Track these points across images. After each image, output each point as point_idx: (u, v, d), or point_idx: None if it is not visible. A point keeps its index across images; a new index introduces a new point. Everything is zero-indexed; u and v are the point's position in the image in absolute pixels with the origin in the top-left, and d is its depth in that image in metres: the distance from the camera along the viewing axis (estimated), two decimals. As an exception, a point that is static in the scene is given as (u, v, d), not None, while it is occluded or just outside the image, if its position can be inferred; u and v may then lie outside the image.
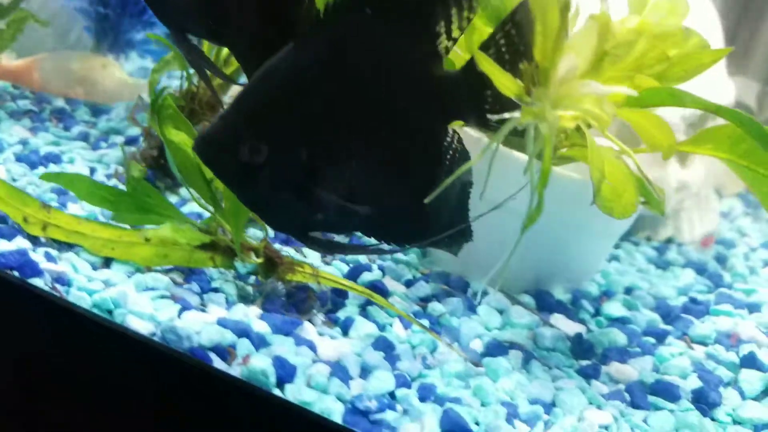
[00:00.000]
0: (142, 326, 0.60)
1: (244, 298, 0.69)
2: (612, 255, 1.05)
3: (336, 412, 0.56)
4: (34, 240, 0.69)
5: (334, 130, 0.56)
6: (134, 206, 0.69)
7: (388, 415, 0.57)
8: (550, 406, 0.64)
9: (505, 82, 0.49)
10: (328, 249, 0.62)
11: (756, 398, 0.72)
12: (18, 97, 1.07)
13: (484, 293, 0.81)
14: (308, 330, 0.66)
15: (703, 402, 0.69)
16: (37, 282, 0.62)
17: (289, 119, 0.54)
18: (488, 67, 0.49)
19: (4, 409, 0.63)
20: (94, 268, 0.68)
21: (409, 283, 0.81)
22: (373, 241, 0.62)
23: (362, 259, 0.84)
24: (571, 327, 0.78)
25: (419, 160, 0.59)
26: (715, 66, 0.79)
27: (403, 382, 0.63)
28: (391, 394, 0.61)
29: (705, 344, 0.82)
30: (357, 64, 0.55)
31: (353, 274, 0.80)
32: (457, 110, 0.58)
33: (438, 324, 0.74)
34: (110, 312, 0.61)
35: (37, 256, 0.66)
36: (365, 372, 0.63)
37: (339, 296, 0.75)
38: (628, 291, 0.92)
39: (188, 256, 0.70)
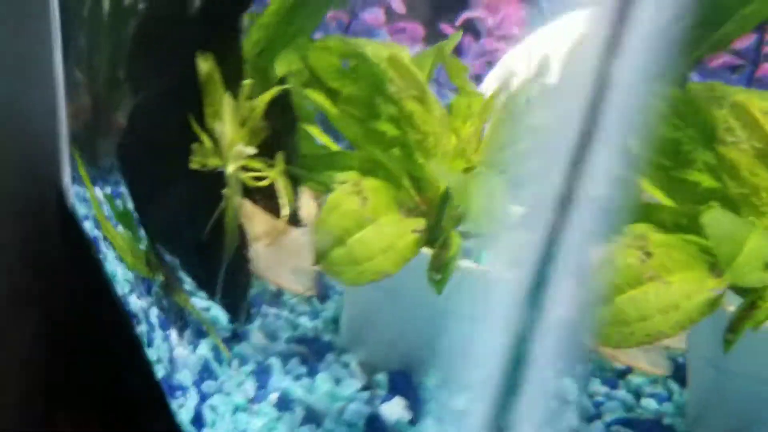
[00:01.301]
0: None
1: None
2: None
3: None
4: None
5: (149, 167, 0.76)
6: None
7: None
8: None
9: (201, 136, 0.64)
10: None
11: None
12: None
13: (347, 363, 0.85)
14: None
15: None
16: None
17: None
18: (195, 126, 0.64)
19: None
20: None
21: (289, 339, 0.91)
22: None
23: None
24: (397, 412, 0.77)
25: (202, 210, 0.74)
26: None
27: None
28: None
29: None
30: (154, 130, 0.75)
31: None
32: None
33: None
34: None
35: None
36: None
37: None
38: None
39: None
